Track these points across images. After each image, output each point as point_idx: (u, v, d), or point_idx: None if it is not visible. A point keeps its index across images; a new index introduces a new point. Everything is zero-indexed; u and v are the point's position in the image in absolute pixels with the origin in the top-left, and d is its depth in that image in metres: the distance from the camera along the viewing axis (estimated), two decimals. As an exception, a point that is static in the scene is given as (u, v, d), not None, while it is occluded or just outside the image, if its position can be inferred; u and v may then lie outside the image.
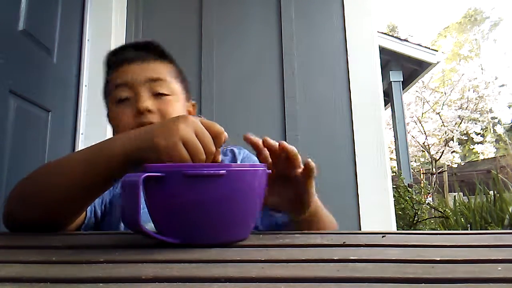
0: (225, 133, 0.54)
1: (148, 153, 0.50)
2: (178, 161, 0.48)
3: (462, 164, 11.15)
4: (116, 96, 0.75)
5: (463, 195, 5.05)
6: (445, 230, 3.28)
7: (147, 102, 0.73)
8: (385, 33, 6.43)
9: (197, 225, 0.42)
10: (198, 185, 0.41)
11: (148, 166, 0.43)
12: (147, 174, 0.41)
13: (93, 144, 0.57)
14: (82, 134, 1.52)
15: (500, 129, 14.43)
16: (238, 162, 0.81)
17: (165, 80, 0.77)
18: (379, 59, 1.69)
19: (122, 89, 0.75)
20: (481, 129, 11.72)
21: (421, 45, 5.71)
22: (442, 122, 9.43)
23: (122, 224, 0.74)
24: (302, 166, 0.54)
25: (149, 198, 0.43)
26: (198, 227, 0.42)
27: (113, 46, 1.65)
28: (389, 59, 5.63)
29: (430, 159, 8.80)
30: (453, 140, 9.52)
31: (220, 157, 0.55)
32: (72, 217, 0.61)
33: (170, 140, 0.48)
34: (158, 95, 0.76)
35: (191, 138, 0.49)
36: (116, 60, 0.80)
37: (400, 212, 3.60)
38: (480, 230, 2.33)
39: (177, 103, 0.78)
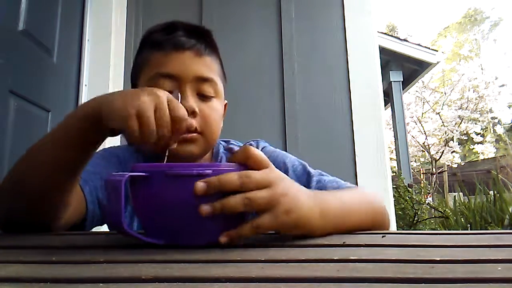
0: (189, 121, 0.50)
1: (104, 114, 0.48)
2: (129, 133, 0.46)
3: (462, 164, 11.13)
4: (158, 87, 0.68)
5: (463, 195, 5.04)
6: (445, 230, 3.28)
7: (194, 104, 0.67)
8: (385, 33, 6.43)
9: (180, 226, 0.42)
10: (181, 186, 0.41)
11: (134, 166, 0.43)
12: (130, 174, 0.41)
13: None
14: (82, 134, 1.52)
15: (500, 129, 14.43)
16: None
17: (213, 81, 0.72)
18: (379, 59, 1.70)
19: (166, 81, 0.68)
20: (481, 129, 11.71)
21: (421, 45, 5.71)
22: (442, 122, 9.43)
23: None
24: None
25: (134, 198, 0.43)
26: (182, 228, 0.42)
27: (113, 46, 1.66)
28: (389, 59, 5.63)
29: (430, 159, 8.80)
30: (453, 140, 9.52)
31: (175, 145, 0.51)
32: (57, 201, 0.56)
33: (126, 111, 0.45)
34: (202, 96, 0.70)
35: (146, 115, 0.45)
36: (165, 40, 0.71)
37: (400, 212, 3.59)
38: (480, 230, 2.33)
39: (218, 105, 0.73)
